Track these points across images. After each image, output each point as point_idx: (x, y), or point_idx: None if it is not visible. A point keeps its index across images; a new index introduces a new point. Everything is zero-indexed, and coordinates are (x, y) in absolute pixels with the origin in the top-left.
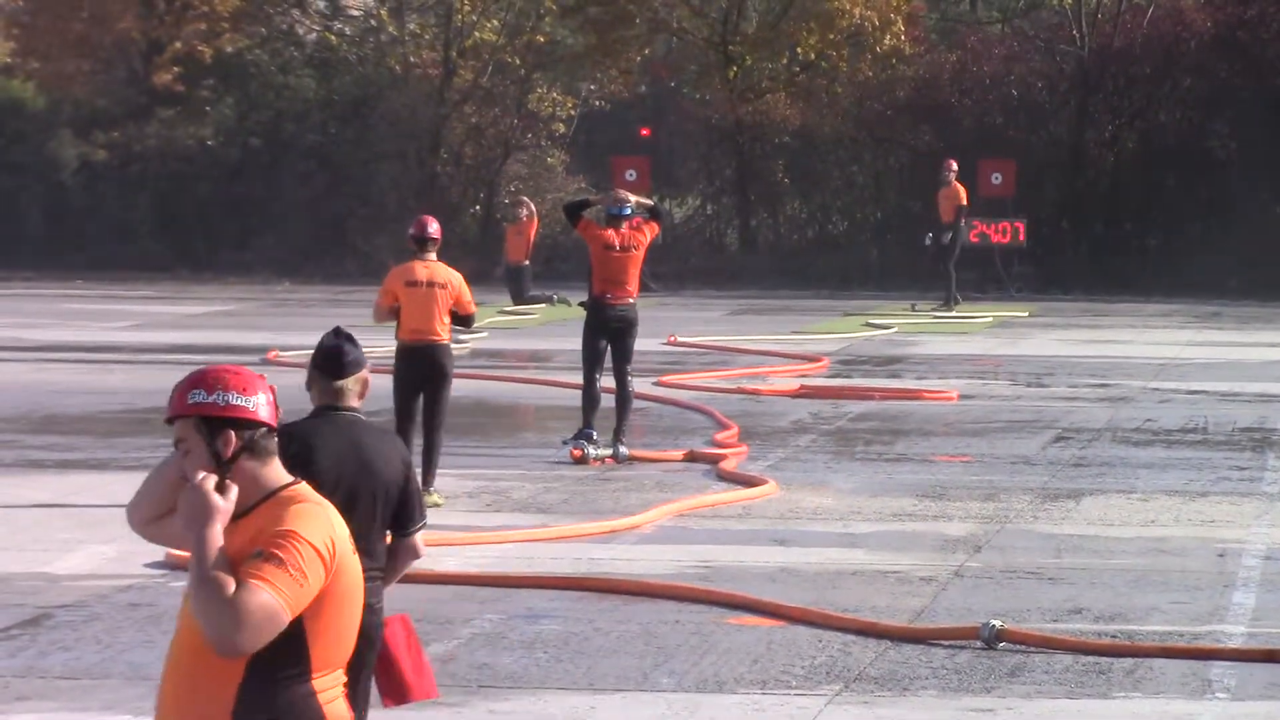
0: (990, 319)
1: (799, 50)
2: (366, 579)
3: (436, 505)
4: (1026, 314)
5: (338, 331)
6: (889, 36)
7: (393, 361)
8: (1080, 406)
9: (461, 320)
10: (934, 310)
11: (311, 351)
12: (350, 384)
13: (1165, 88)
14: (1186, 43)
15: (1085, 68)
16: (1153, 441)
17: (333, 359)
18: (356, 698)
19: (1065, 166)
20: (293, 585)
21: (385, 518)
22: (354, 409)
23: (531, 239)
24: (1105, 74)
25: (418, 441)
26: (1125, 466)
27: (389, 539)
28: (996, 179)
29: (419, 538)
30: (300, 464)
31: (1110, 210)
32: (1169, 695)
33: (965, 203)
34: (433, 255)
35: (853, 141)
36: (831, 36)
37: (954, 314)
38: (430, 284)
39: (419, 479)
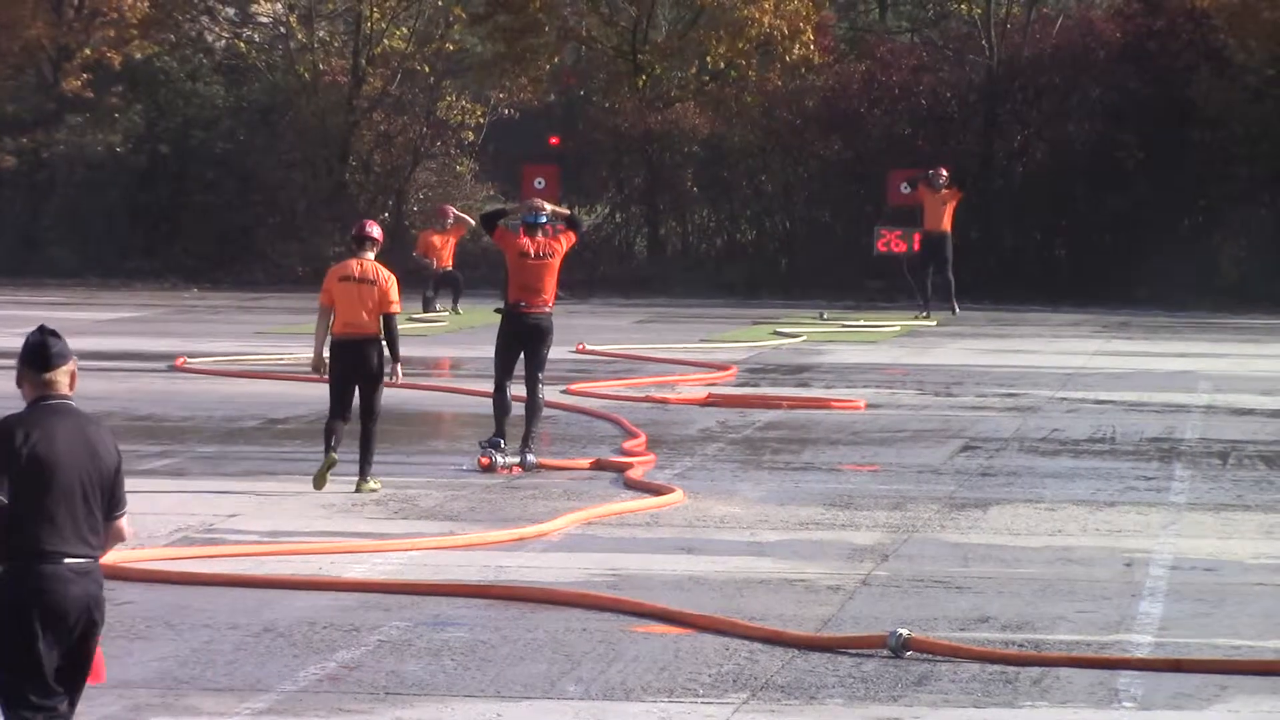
0: (898, 328)
1: (708, 59)
2: (92, 561)
3: (374, 491)
4: (935, 323)
5: (42, 329)
6: (798, 46)
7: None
8: (988, 416)
9: (385, 321)
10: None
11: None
12: (60, 375)
13: (1074, 98)
14: (1096, 53)
15: (994, 78)
16: (1060, 451)
17: (39, 353)
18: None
19: (974, 176)
20: None
21: (105, 503)
22: (68, 397)
23: (456, 244)
24: (1014, 84)
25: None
26: (1032, 476)
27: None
28: (905, 189)
29: (125, 521)
30: (41, 452)
31: (1019, 220)
32: (1076, 704)
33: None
34: (370, 255)
35: (761, 150)
36: (741, 45)
37: (957, 315)
38: (362, 280)
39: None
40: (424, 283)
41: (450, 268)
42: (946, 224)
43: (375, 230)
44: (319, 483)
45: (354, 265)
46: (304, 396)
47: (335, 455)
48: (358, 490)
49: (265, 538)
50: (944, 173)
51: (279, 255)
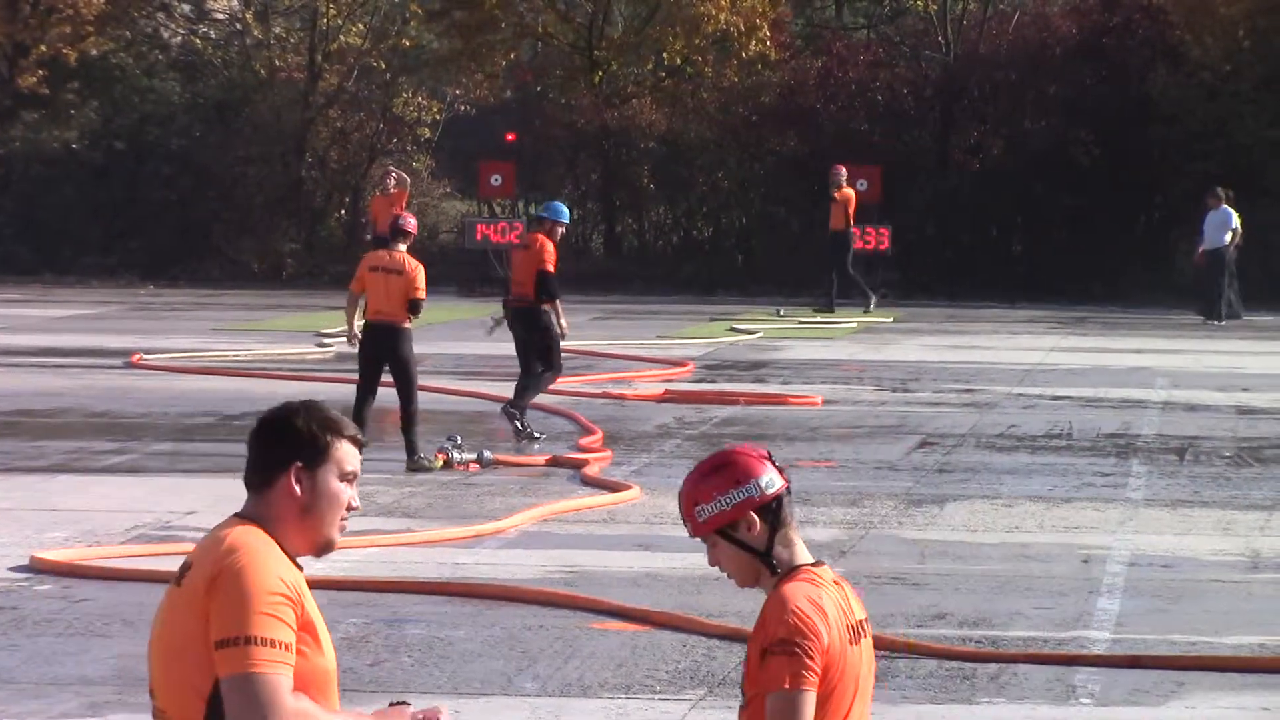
0: (855, 324)
1: (664, 55)
2: None
3: (429, 470)
4: (891, 320)
5: None
6: (755, 42)
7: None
8: (945, 412)
9: (411, 306)
10: (863, 311)
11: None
12: None
13: (1030, 94)
14: (1052, 49)
15: (950, 74)
16: (1017, 447)
17: None
18: None
19: (930, 172)
20: None
21: None
22: None
23: (403, 209)
24: (970, 80)
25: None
26: (989, 472)
27: None
28: (862, 185)
29: None
30: None
31: (975, 216)
32: (1033, 701)
33: (853, 208)
34: (402, 246)
35: (718, 147)
36: (697, 42)
37: (869, 312)
38: (389, 269)
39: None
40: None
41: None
42: (840, 223)
43: (408, 223)
44: None
45: (384, 255)
46: (260, 393)
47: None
48: (407, 471)
49: None
50: (842, 171)
51: (235, 251)
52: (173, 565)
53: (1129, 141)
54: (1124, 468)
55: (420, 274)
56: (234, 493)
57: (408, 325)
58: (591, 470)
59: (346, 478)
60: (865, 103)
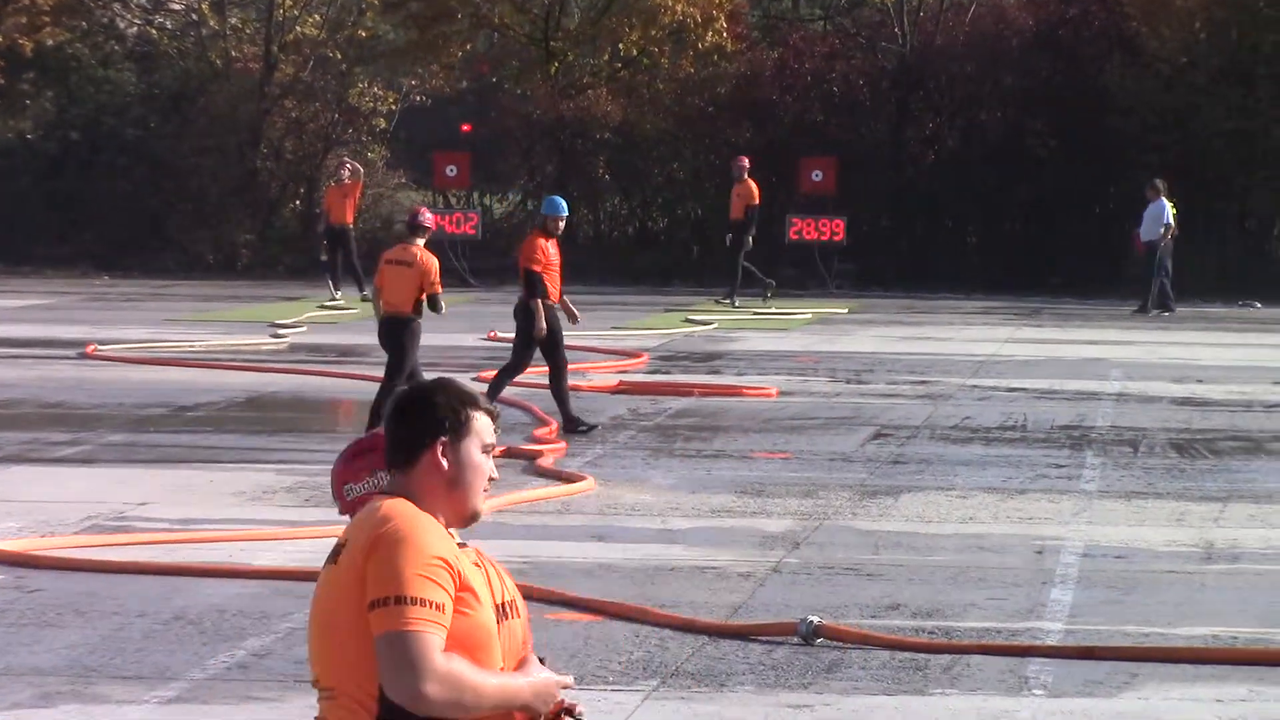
0: (810, 315)
1: (621, 46)
2: None
3: None
4: (846, 311)
5: None
6: (711, 33)
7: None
8: (899, 403)
9: (430, 301)
10: (718, 300)
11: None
12: None
13: (986, 86)
14: (1008, 41)
15: (907, 65)
16: (971, 439)
17: None
18: None
19: (886, 164)
20: None
21: None
22: None
23: (357, 200)
24: (927, 72)
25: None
26: (944, 463)
27: None
28: (817, 176)
29: None
30: None
31: (931, 207)
32: (986, 692)
33: (757, 201)
34: (420, 240)
35: (674, 138)
36: (653, 33)
37: (735, 308)
38: (400, 263)
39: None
40: (325, 250)
41: (348, 224)
42: (739, 213)
43: (425, 218)
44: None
45: (399, 249)
46: (214, 384)
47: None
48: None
49: (175, 525)
50: (744, 162)
51: (190, 242)
52: (126, 556)
53: (1085, 133)
54: (1078, 459)
55: (434, 267)
56: (188, 483)
57: (415, 317)
58: (546, 461)
59: (486, 449)
60: (821, 94)
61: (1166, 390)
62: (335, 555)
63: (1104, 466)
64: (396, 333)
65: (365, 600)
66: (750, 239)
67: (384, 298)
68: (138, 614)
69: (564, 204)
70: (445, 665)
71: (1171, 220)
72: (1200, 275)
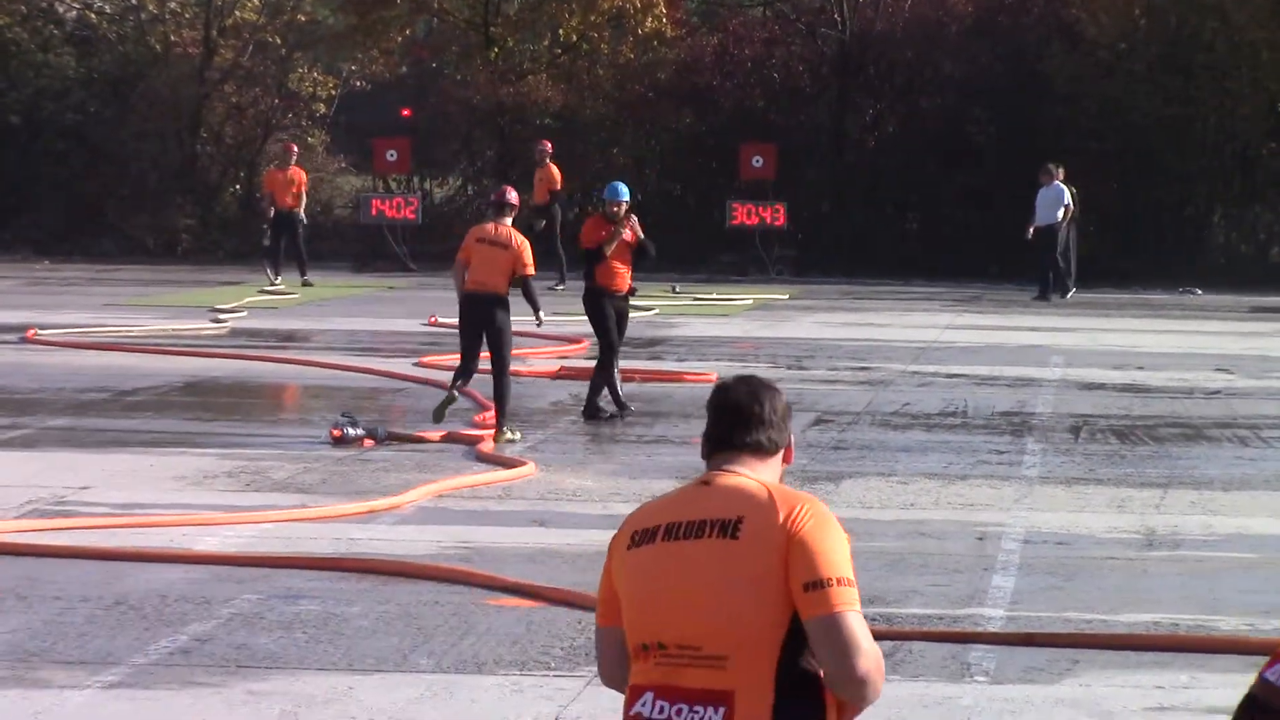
0: (750, 301)
1: (561, 32)
2: None
3: (511, 441)
4: (787, 296)
5: None
6: (650, 19)
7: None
8: (840, 389)
9: (520, 282)
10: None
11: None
12: None
13: (926, 72)
14: (948, 27)
15: (846, 51)
16: (912, 425)
17: None
18: None
19: (826, 150)
20: None
21: None
22: None
23: (304, 184)
24: (866, 58)
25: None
26: (885, 449)
27: None
28: (757, 162)
29: None
30: None
31: (870, 194)
32: (928, 678)
33: (559, 186)
34: (507, 220)
35: (614, 124)
36: (593, 18)
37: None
38: (495, 243)
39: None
40: (267, 235)
41: (295, 209)
42: (543, 197)
43: (512, 196)
44: (437, 416)
45: (490, 228)
46: (155, 369)
47: (455, 394)
48: (495, 441)
49: (117, 510)
50: (546, 146)
51: (130, 227)
52: (67, 540)
53: (1025, 120)
54: (1019, 445)
55: (527, 250)
56: (128, 467)
57: (504, 296)
58: (486, 447)
59: None
60: (761, 80)
61: (1107, 377)
62: (734, 529)
63: (1045, 452)
64: (491, 312)
65: (784, 576)
66: (558, 223)
67: (471, 275)
68: (79, 599)
69: (623, 189)
70: (874, 645)
71: (1071, 202)
72: (1140, 262)
